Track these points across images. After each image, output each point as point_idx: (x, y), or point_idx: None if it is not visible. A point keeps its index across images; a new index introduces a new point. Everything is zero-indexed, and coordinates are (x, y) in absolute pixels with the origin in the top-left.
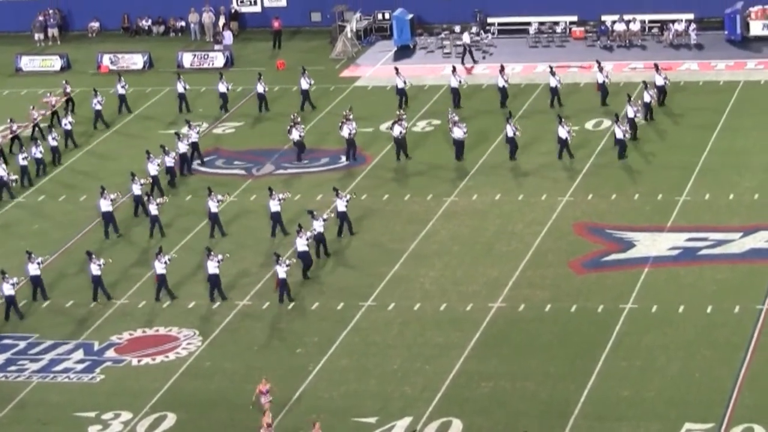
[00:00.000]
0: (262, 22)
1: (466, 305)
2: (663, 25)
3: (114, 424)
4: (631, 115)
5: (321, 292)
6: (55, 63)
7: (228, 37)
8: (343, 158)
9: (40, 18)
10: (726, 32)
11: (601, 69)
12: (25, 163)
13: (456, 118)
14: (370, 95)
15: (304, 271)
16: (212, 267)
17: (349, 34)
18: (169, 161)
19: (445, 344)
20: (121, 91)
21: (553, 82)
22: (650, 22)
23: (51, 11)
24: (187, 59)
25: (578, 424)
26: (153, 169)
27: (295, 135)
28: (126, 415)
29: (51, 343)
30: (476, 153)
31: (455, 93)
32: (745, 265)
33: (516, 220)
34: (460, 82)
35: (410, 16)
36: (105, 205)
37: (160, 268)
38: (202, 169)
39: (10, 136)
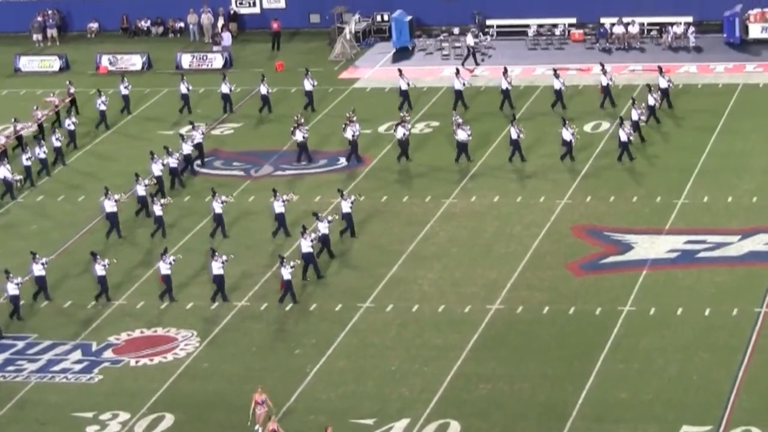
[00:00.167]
0: (261, 23)
1: (465, 307)
2: (662, 28)
3: (112, 424)
4: (635, 117)
5: (319, 294)
6: (53, 63)
7: (227, 38)
8: (342, 159)
9: (39, 18)
10: (725, 35)
11: (604, 72)
12: (29, 163)
13: (460, 120)
14: (368, 97)
15: (304, 273)
16: (217, 268)
17: (347, 36)
18: (173, 162)
19: (443, 346)
20: (125, 91)
21: (557, 85)
22: (649, 24)
23: (50, 12)
24: (186, 60)
25: (576, 426)
26: (157, 169)
27: (299, 136)
28: (124, 416)
29: (49, 344)
30: (475, 155)
31: (459, 95)
32: (744, 267)
33: (514, 222)
34: (463, 84)
35: (409, 17)
36: (109, 206)
37: (165, 268)
38: (201, 170)
39: (15, 135)
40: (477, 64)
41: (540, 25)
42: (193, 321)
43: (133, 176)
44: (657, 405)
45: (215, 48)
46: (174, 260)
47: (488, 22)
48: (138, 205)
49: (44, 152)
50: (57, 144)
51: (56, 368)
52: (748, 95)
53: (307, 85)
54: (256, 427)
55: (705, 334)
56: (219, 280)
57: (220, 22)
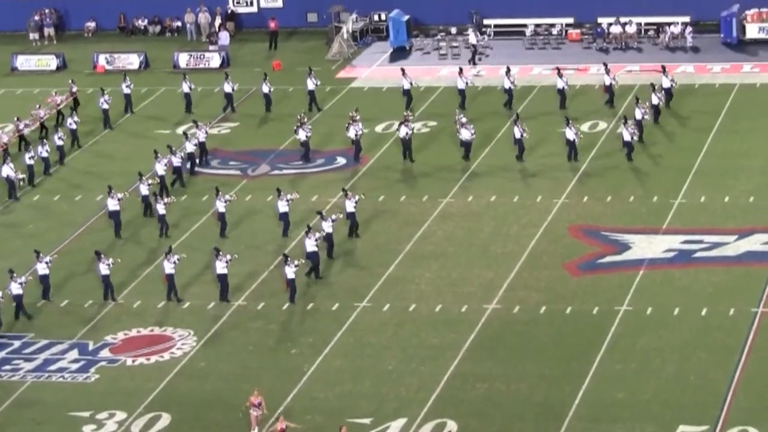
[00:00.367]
0: (259, 22)
1: (462, 307)
2: (659, 28)
3: (108, 423)
4: (638, 117)
5: (316, 293)
6: (51, 63)
7: (224, 37)
8: (340, 159)
9: (36, 17)
10: (722, 35)
11: (608, 71)
12: (31, 162)
13: (464, 120)
14: (366, 96)
15: (309, 272)
16: (220, 267)
17: (345, 35)
18: (176, 161)
19: (440, 345)
20: (126, 90)
21: (560, 84)
22: (646, 24)
23: (47, 10)
24: (183, 59)
25: (573, 426)
26: (161, 168)
27: (302, 135)
28: (120, 415)
29: (45, 343)
30: (472, 155)
31: (462, 94)
32: (741, 267)
33: (511, 222)
34: (467, 83)
35: (406, 17)
36: (112, 205)
37: (169, 268)
38: (198, 169)
39: (18, 135)
40: (474, 64)
41: (537, 25)
42: (190, 320)
43: (131, 175)
44: (654, 405)
45: (212, 47)
46: (178, 259)
47: (485, 22)
48: (143, 205)
49: (47, 151)
50: (59, 143)
51: (53, 367)
52: (745, 95)
53: (310, 84)
54: (253, 430)
55: (702, 334)
56: (223, 279)
57: (218, 21)
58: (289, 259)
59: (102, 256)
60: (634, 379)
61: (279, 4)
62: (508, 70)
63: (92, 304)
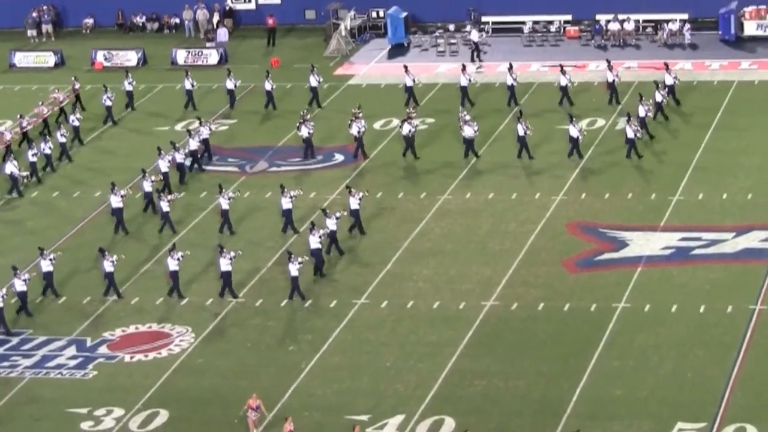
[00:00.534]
0: (257, 19)
1: (459, 303)
2: (657, 25)
3: (106, 420)
4: (642, 114)
5: (314, 290)
6: (48, 59)
7: (223, 34)
8: (338, 156)
9: (34, 14)
10: (720, 32)
11: (610, 68)
12: (34, 159)
13: (467, 117)
14: (364, 93)
15: (316, 269)
16: (225, 264)
17: (343, 32)
18: (180, 158)
19: (438, 342)
20: (129, 87)
21: (563, 81)
22: (644, 21)
23: (45, 7)
24: (181, 56)
25: (571, 423)
26: (164, 165)
27: (304, 132)
28: (118, 412)
29: (44, 339)
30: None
31: (464, 91)
32: (738, 264)
33: (509, 219)
34: (469, 80)
35: (404, 14)
36: (115, 201)
37: (173, 265)
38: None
39: (21, 131)
40: (473, 61)
41: (535, 22)
42: (188, 317)
43: (132, 172)
44: (652, 402)
45: (208, 44)
46: (182, 256)
47: (484, 19)
48: (144, 201)
49: (50, 148)
50: (62, 140)
51: (51, 364)
52: (744, 92)
53: (313, 81)
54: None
55: (700, 331)
56: (226, 276)
57: (216, 18)
58: (292, 256)
59: (106, 253)
60: (631, 377)
61: (277, 0)
62: (511, 67)
63: (91, 301)
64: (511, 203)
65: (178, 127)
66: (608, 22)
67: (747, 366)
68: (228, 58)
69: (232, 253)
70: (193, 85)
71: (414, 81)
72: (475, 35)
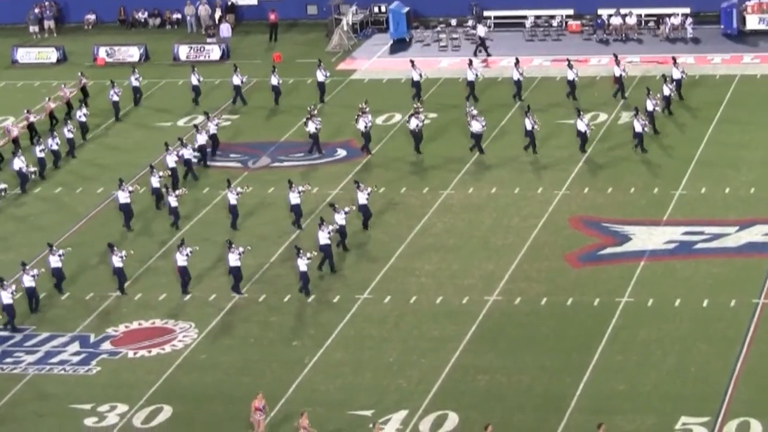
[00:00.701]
0: (259, 14)
1: (462, 298)
2: (659, 19)
3: (110, 416)
4: (650, 108)
5: (317, 285)
6: (51, 55)
7: (226, 29)
8: (340, 151)
9: (36, 10)
10: (722, 26)
11: (618, 62)
12: (42, 155)
13: (474, 112)
14: (366, 88)
15: (321, 265)
16: (233, 259)
17: (345, 27)
18: (188, 153)
19: (440, 337)
20: (135, 83)
21: (570, 76)
22: (646, 15)
23: (47, 3)
24: (183, 52)
25: (574, 417)
26: (171, 161)
27: (312, 127)
28: (122, 407)
29: (47, 335)
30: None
31: (471, 86)
32: (741, 259)
33: (512, 214)
34: (476, 75)
35: (406, 9)
36: (123, 197)
37: (181, 260)
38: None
39: (26, 124)
40: (475, 55)
41: (537, 17)
42: (191, 312)
43: (134, 167)
44: (655, 397)
45: (209, 40)
46: (191, 252)
47: (485, 14)
48: (153, 197)
49: (57, 144)
50: (69, 136)
51: (54, 360)
52: (746, 87)
53: (320, 76)
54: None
55: (703, 326)
56: (236, 271)
57: (218, 13)
58: (301, 251)
59: (115, 248)
60: (634, 371)
61: None
62: (517, 61)
63: (93, 297)
64: (514, 198)
65: (181, 122)
66: (610, 16)
67: (750, 360)
68: (230, 53)
69: (241, 249)
70: (199, 81)
71: (421, 75)
72: (481, 30)
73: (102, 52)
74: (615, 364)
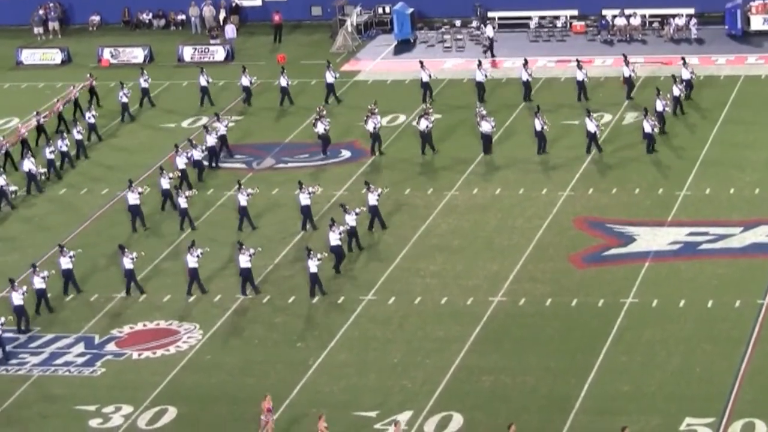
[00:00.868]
0: (263, 15)
1: (467, 299)
2: (663, 20)
3: (115, 417)
4: (659, 109)
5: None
6: (55, 56)
7: (231, 31)
8: (345, 152)
9: (41, 12)
10: (726, 27)
11: (627, 63)
12: (52, 156)
13: (484, 112)
14: (370, 89)
15: (336, 266)
16: (244, 261)
17: (349, 28)
18: (198, 155)
19: (445, 338)
20: (144, 84)
21: (579, 76)
22: (651, 16)
23: (51, 4)
24: (188, 53)
25: (579, 418)
26: (181, 162)
27: (321, 128)
28: (127, 409)
29: (51, 337)
30: (477, 148)
31: (480, 87)
32: (746, 259)
33: (516, 215)
34: (485, 76)
35: (411, 10)
36: (132, 199)
37: (192, 261)
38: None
39: (35, 125)
40: (493, 55)
41: (541, 17)
42: (195, 314)
43: (139, 168)
44: (659, 397)
45: (212, 41)
46: (202, 253)
47: (489, 14)
48: (162, 198)
49: (66, 145)
50: (78, 137)
51: (59, 361)
52: (750, 87)
53: (329, 77)
54: None
55: (707, 326)
56: (247, 273)
57: (222, 14)
58: (311, 252)
59: (126, 250)
60: (639, 372)
61: None
62: (526, 62)
63: (98, 298)
64: (519, 198)
65: (185, 123)
66: (614, 17)
67: (755, 361)
68: (235, 55)
69: (252, 250)
70: (208, 82)
71: (430, 76)
72: (490, 31)
73: (106, 54)
74: (620, 364)
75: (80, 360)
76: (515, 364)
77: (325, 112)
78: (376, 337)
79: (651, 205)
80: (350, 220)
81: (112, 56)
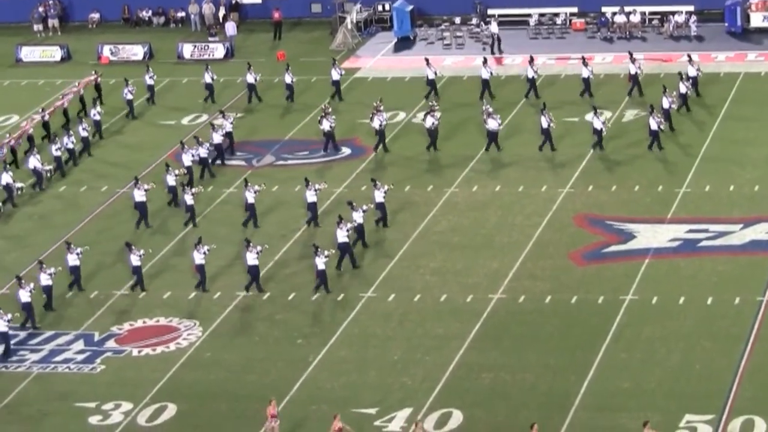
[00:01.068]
0: (263, 13)
1: (467, 296)
2: (663, 17)
3: (114, 414)
4: (665, 106)
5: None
6: (55, 54)
7: (231, 28)
8: (345, 149)
9: (40, 9)
10: (726, 24)
11: (633, 60)
12: (58, 153)
13: (490, 110)
14: (370, 87)
15: (339, 263)
16: (251, 258)
17: (349, 26)
18: (204, 152)
19: (445, 335)
20: (150, 81)
21: (585, 73)
22: (651, 13)
23: (51, 2)
24: (188, 50)
25: (578, 415)
26: (187, 159)
27: (326, 125)
28: (126, 406)
29: (51, 334)
30: (477, 145)
31: (486, 85)
32: (746, 256)
33: (516, 212)
34: (491, 73)
35: (410, 7)
36: (138, 196)
37: (199, 258)
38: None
39: (41, 121)
40: (493, 53)
41: (541, 15)
42: (195, 310)
43: (141, 165)
44: (659, 394)
45: (211, 39)
46: (208, 250)
47: (489, 12)
48: (169, 196)
49: (72, 142)
50: (84, 134)
51: (58, 358)
52: (750, 84)
53: (335, 74)
54: None
55: (707, 323)
56: (254, 270)
57: (222, 11)
58: (319, 249)
59: (133, 247)
60: (639, 369)
61: None
62: (532, 59)
63: (97, 295)
64: (518, 196)
65: (185, 120)
66: (614, 14)
67: (755, 358)
68: (234, 52)
69: (259, 247)
70: (213, 79)
71: (436, 73)
72: (495, 27)
73: (106, 51)
74: (619, 361)
75: (80, 357)
76: (515, 361)
77: (330, 110)
78: (376, 334)
79: (651, 202)
80: (357, 217)
81: (111, 53)
